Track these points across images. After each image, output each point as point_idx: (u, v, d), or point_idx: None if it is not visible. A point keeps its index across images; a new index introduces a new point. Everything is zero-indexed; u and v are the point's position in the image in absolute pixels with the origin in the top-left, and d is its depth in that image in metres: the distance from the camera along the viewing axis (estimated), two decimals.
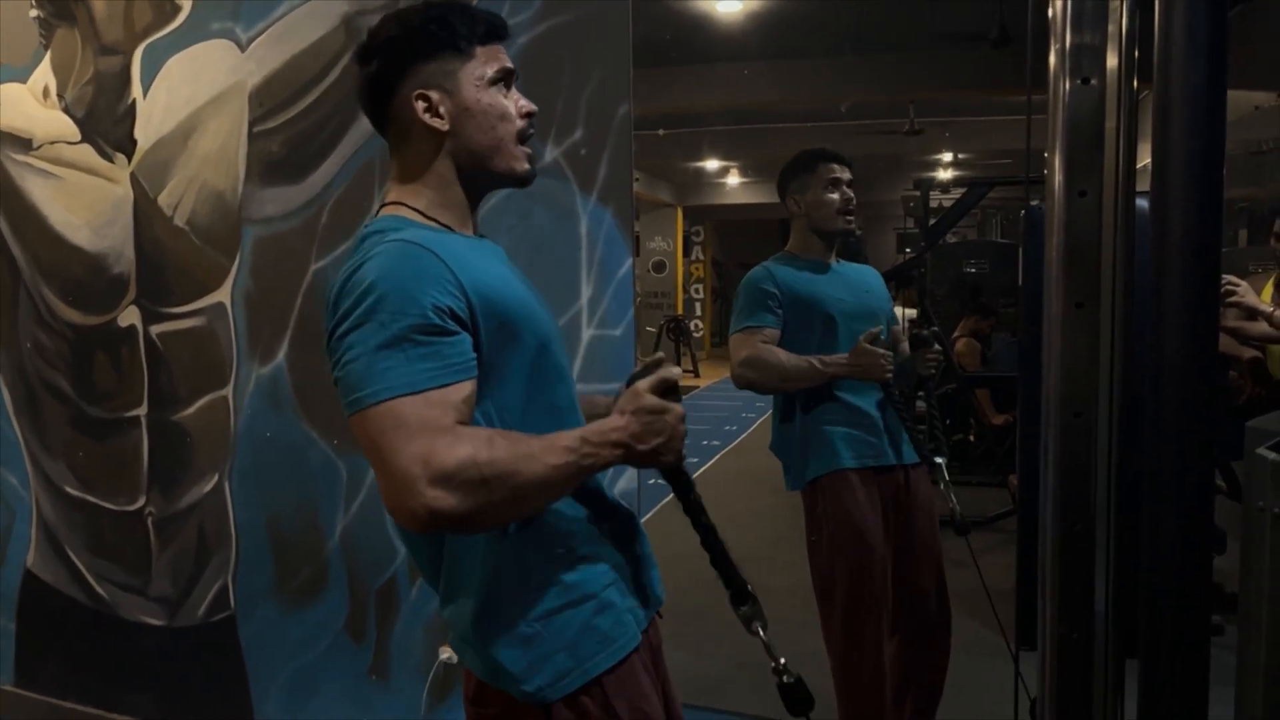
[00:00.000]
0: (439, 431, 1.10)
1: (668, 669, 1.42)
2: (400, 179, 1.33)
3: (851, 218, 2.50)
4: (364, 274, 1.16)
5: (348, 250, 1.28)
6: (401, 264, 1.16)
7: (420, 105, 1.28)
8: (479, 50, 1.30)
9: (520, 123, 1.32)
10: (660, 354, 1.34)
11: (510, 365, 1.23)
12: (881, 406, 2.45)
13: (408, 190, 1.32)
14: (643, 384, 1.24)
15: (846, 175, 2.48)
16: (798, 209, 2.49)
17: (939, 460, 2.46)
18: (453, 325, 1.16)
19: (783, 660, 1.31)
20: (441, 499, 1.09)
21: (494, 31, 1.32)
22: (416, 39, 1.29)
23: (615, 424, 1.21)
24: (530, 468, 1.14)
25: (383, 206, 1.33)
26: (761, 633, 1.33)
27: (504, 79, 1.31)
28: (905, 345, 2.62)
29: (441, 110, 1.28)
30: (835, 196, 2.45)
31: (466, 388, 1.16)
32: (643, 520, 2.28)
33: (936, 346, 2.53)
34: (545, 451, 1.16)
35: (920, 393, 2.64)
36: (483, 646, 1.25)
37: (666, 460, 1.25)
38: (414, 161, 1.31)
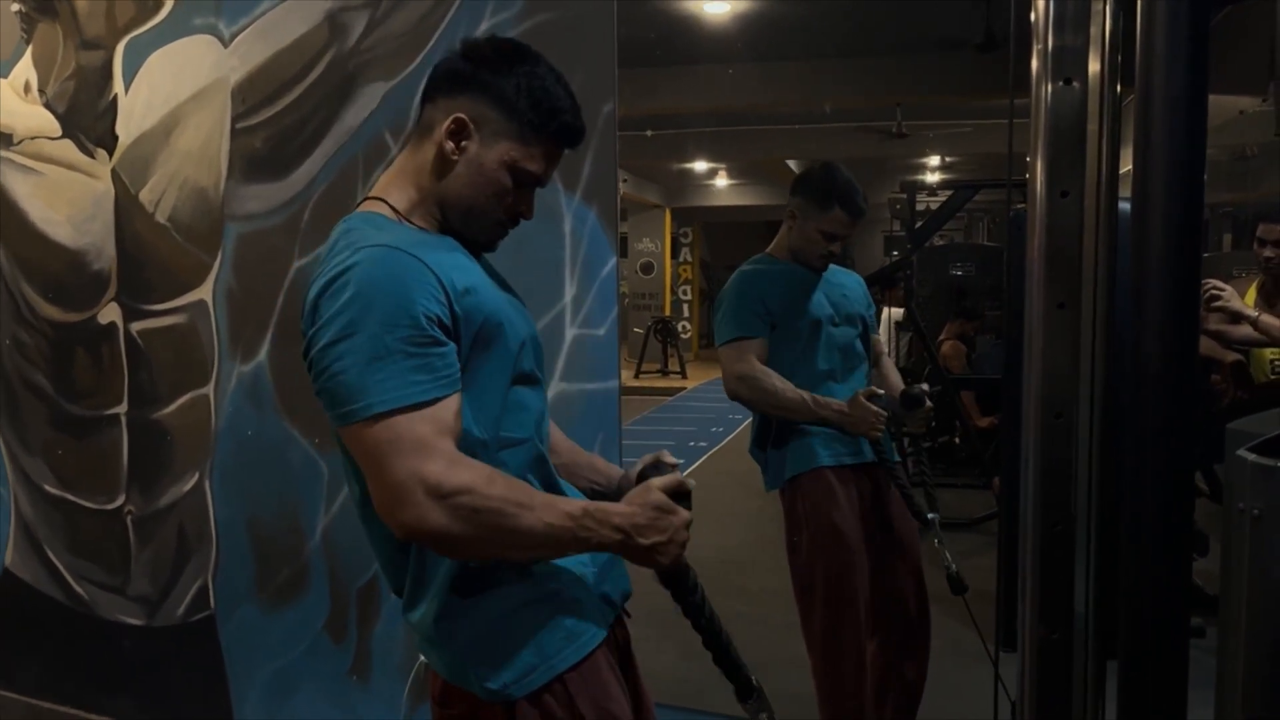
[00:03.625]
0: (435, 451, 1.12)
1: (638, 668, 1.42)
2: (398, 171, 1.33)
3: (831, 261, 2.50)
4: (349, 279, 1.15)
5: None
6: (388, 271, 1.16)
7: (449, 125, 1.27)
8: (536, 142, 1.29)
9: (508, 216, 1.32)
10: (669, 456, 1.35)
11: (487, 370, 1.23)
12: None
13: (394, 187, 1.32)
14: (657, 481, 1.27)
15: (849, 231, 2.44)
16: (791, 222, 2.47)
17: (931, 516, 2.44)
18: (441, 335, 1.16)
19: None
20: (433, 517, 1.11)
21: (563, 139, 1.32)
22: (505, 92, 1.28)
23: (620, 509, 1.23)
24: (525, 518, 1.15)
25: (365, 200, 1.32)
26: None
27: (528, 181, 1.31)
28: (889, 375, 2.60)
29: (463, 145, 1.28)
30: (825, 243, 2.43)
31: (455, 402, 1.17)
32: None
33: (929, 404, 2.50)
34: (545, 509, 1.18)
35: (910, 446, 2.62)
36: (446, 645, 1.25)
37: (661, 561, 1.25)
38: (419, 163, 1.31)
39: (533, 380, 1.32)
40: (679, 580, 1.30)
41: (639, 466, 1.37)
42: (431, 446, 1.12)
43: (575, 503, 1.22)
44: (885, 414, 2.35)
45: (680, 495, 1.27)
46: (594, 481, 1.45)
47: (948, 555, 2.39)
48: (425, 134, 1.31)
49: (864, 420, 2.32)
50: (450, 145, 1.28)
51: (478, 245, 1.34)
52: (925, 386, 2.49)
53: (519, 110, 1.27)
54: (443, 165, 1.29)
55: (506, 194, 1.30)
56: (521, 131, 1.28)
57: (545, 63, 1.31)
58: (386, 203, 1.30)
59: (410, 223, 1.29)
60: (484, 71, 1.28)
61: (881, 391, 2.38)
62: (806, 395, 2.35)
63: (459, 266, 1.23)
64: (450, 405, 1.16)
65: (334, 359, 1.13)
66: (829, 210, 2.40)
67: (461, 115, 1.27)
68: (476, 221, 1.31)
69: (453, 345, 1.18)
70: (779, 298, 2.43)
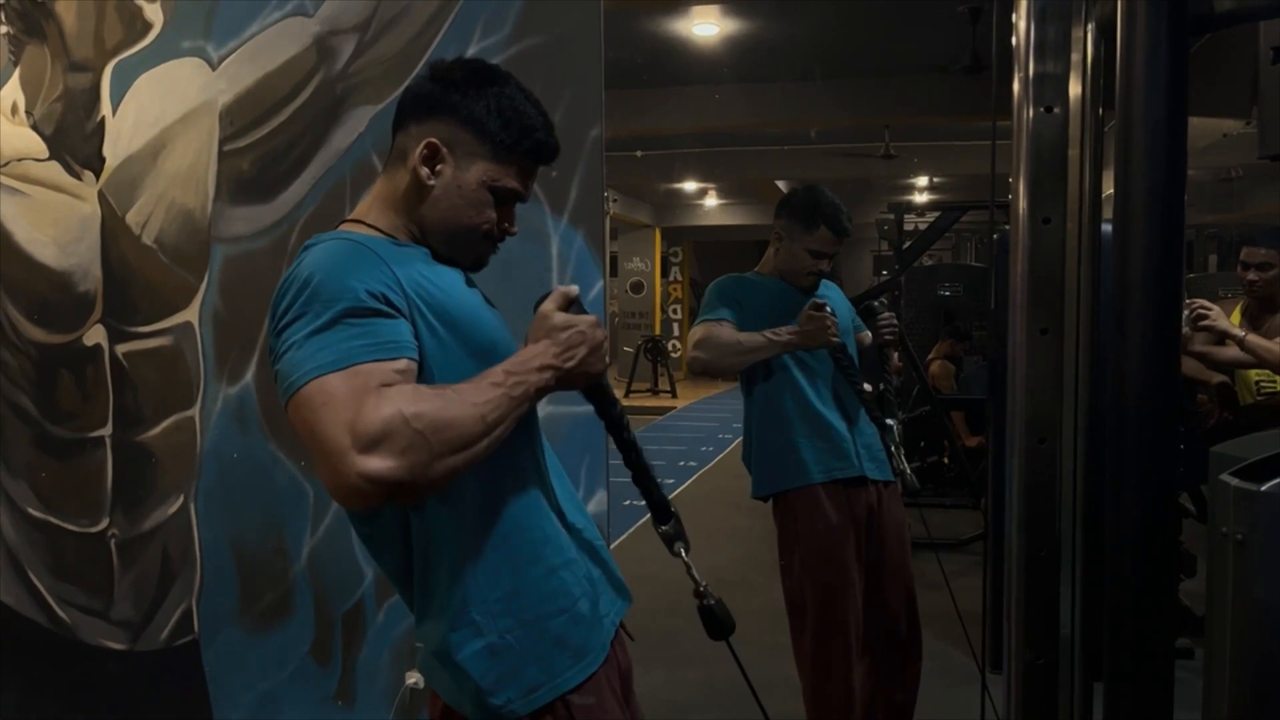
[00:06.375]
0: (366, 396, 1.07)
1: (635, 694, 1.41)
2: (375, 198, 1.32)
3: (816, 280, 2.53)
4: (299, 271, 1.16)
5: None
6: (335, 257, 1.17)
7: (423, 151, 1.27)
8: (510, 161, 1.30)
9: (493, 230, 1.32)
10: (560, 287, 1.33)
11: (456, 366, 1.22)
12: (850, 420, 2.46)
13: (374, 211, 1.32)
14: (546, 305, 1.26)
15: (835, 249, 2.48)
16: (778, 243, 2.51)
17: (889, 423, 2.49)
18: (387, 309, 1.15)
19: (704, 584, 1.31)
20: (376, 464, 1.05)
21: (537, 157, 1.32)
22: (475, 111, 1.27)
23: (533, 349, 1.22)
24: (461, 411, 1.11)
25: (343, 222, 1.33)
26: (683, 554, 1.34)
27: (508, 198, 1.32)
28: (866, 335, 2.66)
29: (438, 169, 1.28)
30: (812, 261, 2.47)
31: (401, 363, 1.14)
32: (615, 543, 2.28)
33: (887, 313, 2.57)
34: (470, 392, 1.14)
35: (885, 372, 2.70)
36: (453, 659, 1.24)
37: (597, 369, 1.26)
38: (394, 190, 1.31)
39: None
40: (603, 391, 1.30)
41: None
42: (360, 396, 1.07)
43: (494, 369, 1.19)
44: (835, 317, 2.38)
45: (571, 305, 1.27)
46: None
47: (903, 461, 2.47)
48: (399, 161, 1.31)
49: (820, 328, 2.35)
50: (425, 171, 1.27)
51: (466, 265, 1.34)
52: (884, 300, 2.58)
53: (490, 131, 1.28)
54: (420, 191, 1.29)
55: (488, 211, 1.30)
56: (495, 151, 1.28)
57: (515, 82, 1.32)
58: (364, 223, 1.30)
59: (391, 237, 1.29)
60: (453, 94, 1.28)
61: (824, 300, 2.41)
62: (763, 331, 2.38)
63: (423, 268, 1.23)
64: (392, 366, 1.12)
65: (281, 343, 1.13)
66: (815, 229, 2.44)
67: (433, 140, 1.27)
68: (461, 242, 1.31)
69: (402, 320, 1.16)
70: (755, 299, 2.47)
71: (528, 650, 1.24)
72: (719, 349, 2.39)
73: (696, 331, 2.44)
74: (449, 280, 1.27)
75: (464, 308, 1.25)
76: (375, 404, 1.06)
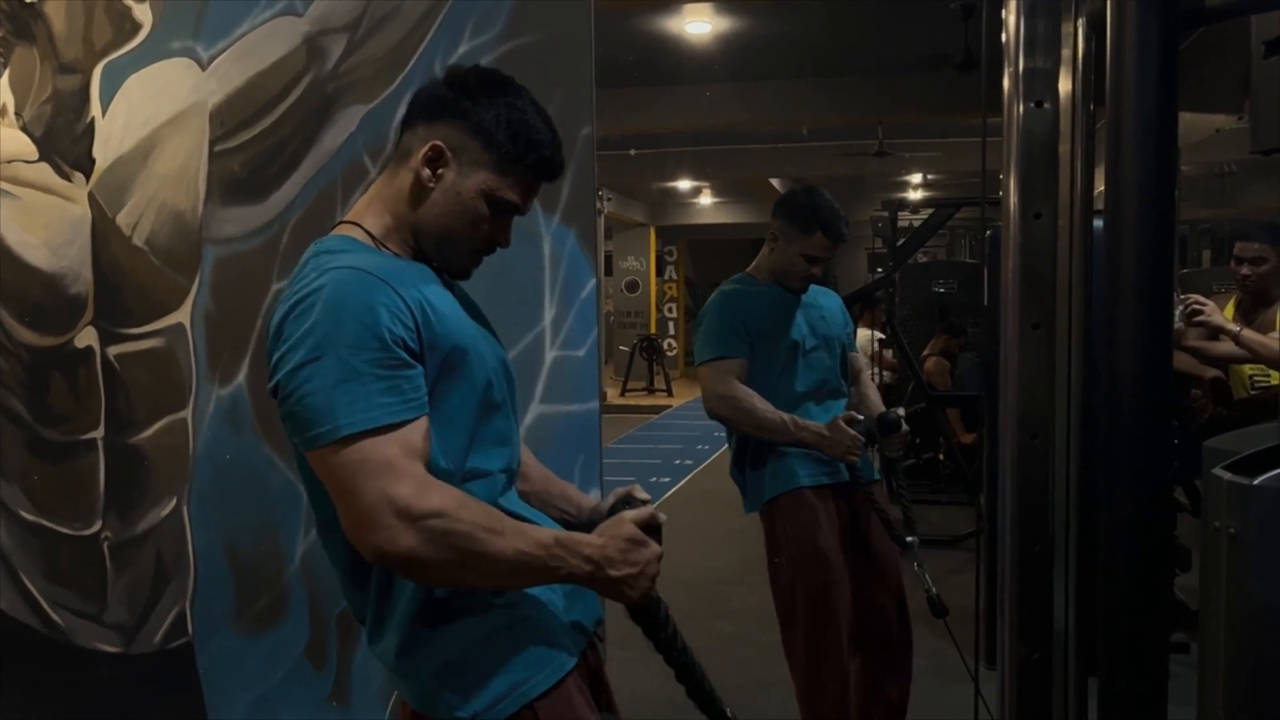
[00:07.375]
0: (404, 473, 1.11)
1: (612, 693, 1.41)
2: (374, 196, 1.32)
3: (811, 283, 2.52)
4: (315, 301, 1.15)
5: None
6: (355, 292, 1.15)
7: (427, 153, 1.27)
8: (513, 173, 1.29)
9: (480, 244, 1.32)
10: (641, 491, 1.35)
11: (453, 399, 1.23)
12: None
13: (370, 211, 1.31)
14: (630, 514, 1.27)
15: (830, 254, 2.47)
16: (773, 244, 2.49)
17: (910, 540, 2.45)
18: (408, 358, 1.16)
19: None
20: (407, 543, 1.10)
21: (540, 173, 1.32)
22: (484, 122, 1.27)
23: (592, 540, 1.23)
24: (495, 543, 1.14)
25: (340, 224, 1.32)
26: None
27: (506, 210, 1.32)
28: (868, 394, 2.62)
29: (439, 173, 1.28)
30: (806, 266, 2.46)
31: (423, 425, 1.17)
32: None
33: (905, 428, 2.52)
34: (516, 535, 1.17)
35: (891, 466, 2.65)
36: (415, 676, 1.24)
37: (630, 594, 1.25)
38: (395, 189, 1.31)
39: (503, 411, 1.31)
40: (648, 614, 1.30)
41: (610, 500, 1.36)
42: (400, 468, 1.11)
43: (547, 531, 1.22)
44: (862, 440, 2.37)
45: (652, 529, 1.27)
46: (565, 512, 1.44)
47: (928, 579, 2.40)
48: (402, 160, 1.31)
49: (841, 444, 2.33)
50: (427, 173, 1.27)
51: (452, 273, 1.34)
52: (901, 411, 2.52)
53: (497, 141, 1.27)
54: (419, 192, 1.29)
55: (483, 222, 1.30)
56: (499, 162, 1.28)
57: (527, 95, 1.31)
58: (361, 227, 1.30)
59: (385, 248, 1.29)
60: (464, 100, 1.28)
61: (860, 416, 2.40)
62: (786, 417, 2.36)
63: (429, 293, 1.23)
64: (419, 428, 1.15)
65: (301, 382, 1.13)
66: (811, 234, 2.43)
67: (439, 143, 1.27)
68: (451, 249, 1.31)
69: (420, 368, 1.18)
70: (758, 319, 2.45)
71: (489, 662, 1.24)
72: (739, 414, 2.39)
73: (717, 379, 2.39)
74: (450, 305, 1.27)
75: (464, 334, 1.26)
76: (419, 487, 1.11)
